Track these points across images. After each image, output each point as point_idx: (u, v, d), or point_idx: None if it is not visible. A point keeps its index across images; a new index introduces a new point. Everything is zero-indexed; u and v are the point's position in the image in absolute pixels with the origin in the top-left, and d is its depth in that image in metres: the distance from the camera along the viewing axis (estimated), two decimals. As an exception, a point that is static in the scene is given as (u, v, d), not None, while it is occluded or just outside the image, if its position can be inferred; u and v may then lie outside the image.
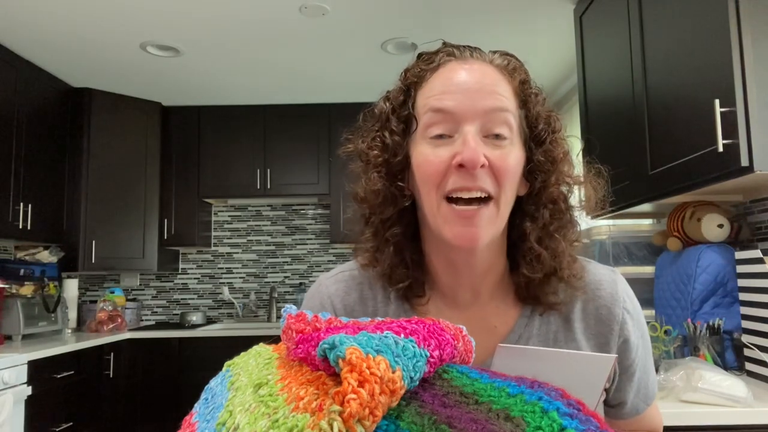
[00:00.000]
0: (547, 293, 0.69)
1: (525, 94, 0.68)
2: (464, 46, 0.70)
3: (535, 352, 0.55)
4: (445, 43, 0.71)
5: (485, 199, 0.63)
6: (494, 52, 0.70)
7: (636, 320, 0.72)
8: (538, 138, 0.68)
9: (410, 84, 0.70)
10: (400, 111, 0.69)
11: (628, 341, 0.71)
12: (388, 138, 0.68)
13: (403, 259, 0.71)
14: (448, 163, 0.63)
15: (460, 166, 0.61)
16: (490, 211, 0.63)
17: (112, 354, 3.25)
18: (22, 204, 2.99)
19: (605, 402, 0.75)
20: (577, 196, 0.72)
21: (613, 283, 0.72)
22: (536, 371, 0.52)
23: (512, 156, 0.64)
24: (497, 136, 0.64)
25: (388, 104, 0.71)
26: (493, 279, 0.72)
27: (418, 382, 0.41)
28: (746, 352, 1.57)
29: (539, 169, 0.67)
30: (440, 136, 0.64)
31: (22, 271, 3.21)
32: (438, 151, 0.64)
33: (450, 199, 0.64)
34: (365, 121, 0.74)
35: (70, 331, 3.46)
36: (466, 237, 0.63)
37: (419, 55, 0.72)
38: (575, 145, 0.73)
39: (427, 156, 0.65)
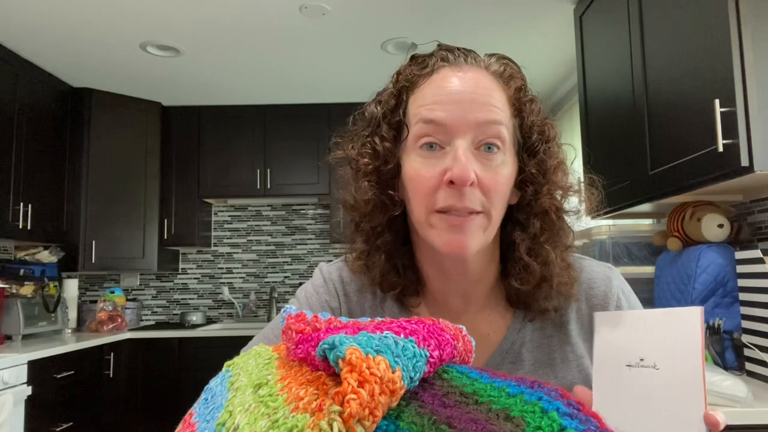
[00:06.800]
0: (538, 299, 0.68)
1: (520, 102, 0.66)
2: (459, 50, 0.67)
3: (629, 314, 0.55)
4: (440, 45, 0.69)
5: (475, 211, 0.62)
6: (491, 56, 0.67)
7: None
8: (531, 149, 0.67)
9: (402, 88, 0.68)
10: (391, 117, 0.67)
11: None
12: (379, 145, 0.67)
13: (395, 266, 0.70)
14: (439, 178, 0.62)
15: (451, 182, 0.61)
16: (480, 220, 0.62)
17: (112, 354, 3.25)
18: (22, 204, 2.99)
19: None
20: (572, 202, 0.70)
21: (607, 280, 0.71)
22: (636, 335, 0.53)
23: (503, 173, 0.63)
24: (489, 148, 0.62)
25: (379, 108, 0.69)
26: (485, 286, 0.71)
27: (418, 382, 0.41)
28: (746, 352, 1.57)
29: (531, 180, 0.66)
30: (431, 146, 0.63)
31: (22, 271, 3.21)
32: (429, 166, 0.63)
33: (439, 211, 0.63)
34: (355, 124, 0.72)
35: (70, 331, 3.46)
36: (455, 245, 0.62)
37: (412, 58, 0.70)
38: (570, 153, 0.71)
39: (418, 170, 0.64)
